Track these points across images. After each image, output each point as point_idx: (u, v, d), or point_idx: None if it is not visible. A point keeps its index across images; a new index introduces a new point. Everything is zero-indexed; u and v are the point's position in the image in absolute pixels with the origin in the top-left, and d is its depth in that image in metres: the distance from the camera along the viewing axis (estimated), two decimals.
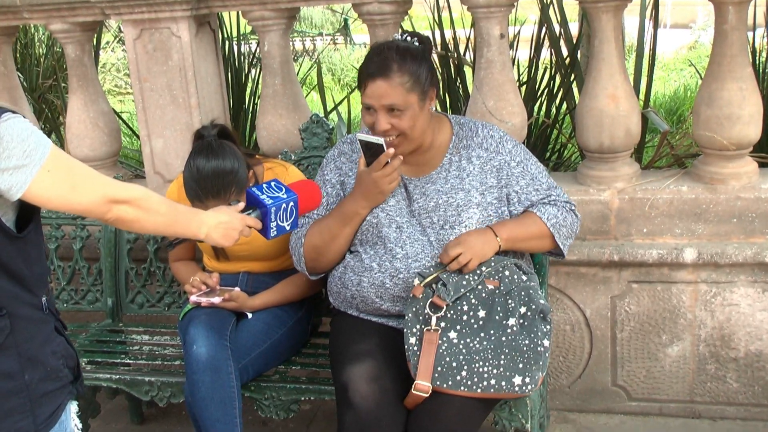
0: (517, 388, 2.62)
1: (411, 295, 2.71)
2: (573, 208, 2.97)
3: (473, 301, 2.69)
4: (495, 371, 2.61)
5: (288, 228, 2.54)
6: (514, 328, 2.67)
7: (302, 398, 3.13)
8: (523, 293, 2.73)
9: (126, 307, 3.79)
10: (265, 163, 3.31)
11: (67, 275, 3.84)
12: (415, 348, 2.66)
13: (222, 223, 2.37)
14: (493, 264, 2.76)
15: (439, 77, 3.33)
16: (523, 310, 2.70)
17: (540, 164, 2.99)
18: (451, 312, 2.67)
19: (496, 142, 2.93)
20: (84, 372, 3.26)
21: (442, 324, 2.65)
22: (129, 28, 3.61)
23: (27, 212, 1.98)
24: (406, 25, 4.27)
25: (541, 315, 2.71)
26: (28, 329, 1.98)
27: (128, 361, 3.41)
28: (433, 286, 2.70)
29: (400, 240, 2.84)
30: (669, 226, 3.44)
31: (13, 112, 1.88)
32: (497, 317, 2.68)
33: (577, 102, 3.75)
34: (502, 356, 2.63)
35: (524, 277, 2.79)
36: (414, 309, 2.69)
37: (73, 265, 3.83)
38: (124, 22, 3.61)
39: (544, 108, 4.67)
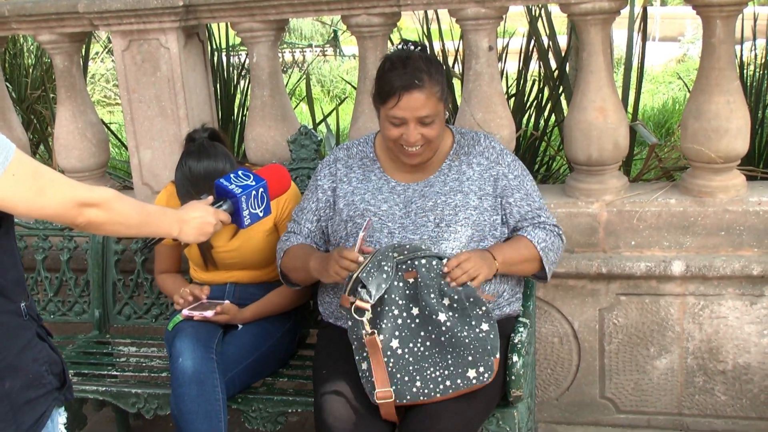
0: (474, 381, 2.60)
1: (341, 308, 2.67)
2: (560, 232, 2.97)
3: (400, 302, 2.65)
4: (446, 372, 2.60)
5: (261, 215, 2.54)
6: (448, 324, 2.62)
7: (289, 410, 3.12)
8: (441, 283, 2.65)
9: (113, 319, 3.77)
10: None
11: (54, 286, 3.83)
12: (368, 373, 2.63)
13: (195, 218, 2.35)
14: (405, 253, 2.68)
15: None
16: (446, 302, 2.65)
17: (535, 184, 3.00)
18: (385, 321, 2.63)
19: (497, 153, 2.95)
20: None
21: (381, 337, 2.60)
22: (117, 39, 3.61)
23: None
24: (395, 38, 4.28)
25: (471, 300, 2.64)
26: (5, 336, 1.96)
27: (115, 372, 3.40)
28: (357, 291, 2.63)
29: None
30: (657, 239, 3.44)
31: None
32: (426, 313, 2.64)
33: (565, 114, 3.75)
34: (449, 356, 2.61)
35: (444, 262, 2.70)
36: (355, 335, 2.66)
37: (60, 276, 3.81)
38: (113, 33, 3.61)
39: (532, 120, 4.68)
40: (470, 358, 2.61)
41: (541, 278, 3.00)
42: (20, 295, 2.03)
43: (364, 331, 2.60)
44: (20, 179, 1.87)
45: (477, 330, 2.63)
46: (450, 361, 2.61)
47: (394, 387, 2.58)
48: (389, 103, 2.75)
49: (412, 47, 2.85)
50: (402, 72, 2.74)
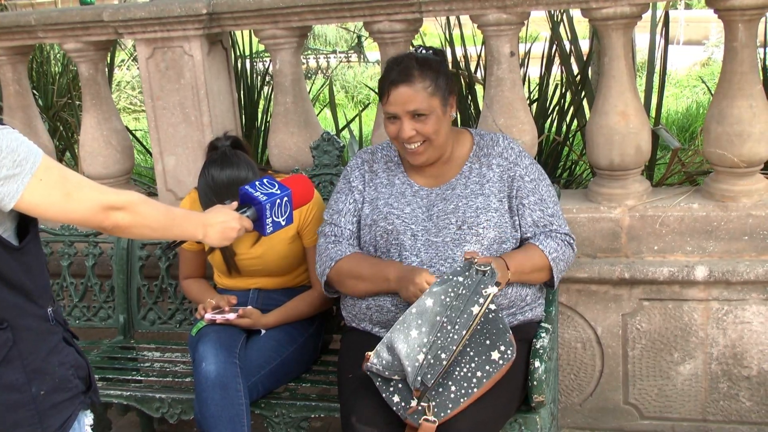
0: (501, 361, 2.58)
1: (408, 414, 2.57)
2: (571, 241, 2.97)
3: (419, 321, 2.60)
4: (473, 364, 2.58)
5: (283, 223, 2.55)
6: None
7: (312, 415, 3.14)
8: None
9: (138, 324, 3.80)
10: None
11: (80, 292, 3.86)
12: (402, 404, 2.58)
13: (220, 223, 2.37)
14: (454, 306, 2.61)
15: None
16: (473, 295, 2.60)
17: (551, 189, 3.00)
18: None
19: (515, 154, 2.96)
20: None
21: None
22: (142, 47, 3.65)
23: (25, 225, 1.99)
24: (418, 43, 4.28)
25: (481, 286, 2.60)
26: (33, 341, 1.99)
27: (139, 377, 3.42)
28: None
29: (414, 248, 2.85)
30: (680, 244, 3.43)
31: (2, 123, 1.89)
32: (437, 320, 2.57)
33: (587, 119, 3.75)
34: (468, 348, 2.59)
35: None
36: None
37: (86, 282, 3.85)
38: (137, 41, 3.64)
39: (554, 125, 4.68)
40: (488, 342, 2.59)
41: (548, 285, 3.00)
42: (47, 299, 2.06)
43: (426, 418, 2.53)
44: (48, 184, 1.90)
45: (491, 311, 2.61)
46: (472, 353, 2.59)
47: (432, 403, 2.54)
48: (383, 100, 2.85)
49: (423, 51, 2.90)
50: (394, 69, 2.84)
